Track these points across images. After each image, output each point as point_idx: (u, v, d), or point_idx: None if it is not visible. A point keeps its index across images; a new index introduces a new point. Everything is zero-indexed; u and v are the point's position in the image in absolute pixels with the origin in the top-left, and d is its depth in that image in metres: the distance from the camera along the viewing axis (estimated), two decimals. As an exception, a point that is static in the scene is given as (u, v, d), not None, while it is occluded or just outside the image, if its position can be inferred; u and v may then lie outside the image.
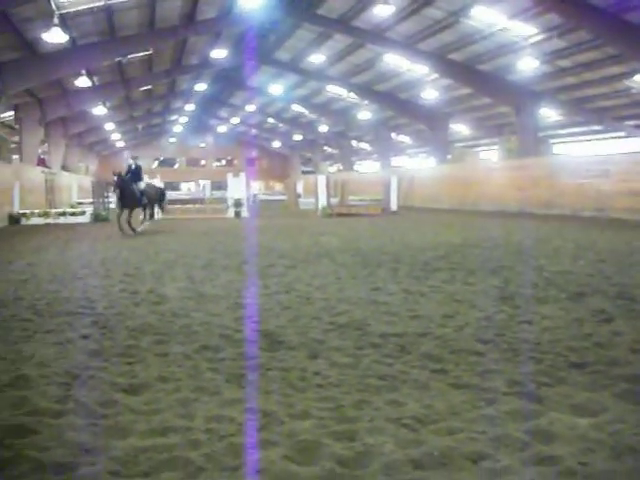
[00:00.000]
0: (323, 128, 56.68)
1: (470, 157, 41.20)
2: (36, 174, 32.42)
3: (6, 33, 22.93)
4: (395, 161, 56.92)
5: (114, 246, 15.55)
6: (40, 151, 38.52)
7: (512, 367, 4.91)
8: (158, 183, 29.34)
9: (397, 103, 41.94)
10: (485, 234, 17.62)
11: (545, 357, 5.15)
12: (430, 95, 36.78)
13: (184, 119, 64.49)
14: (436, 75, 34.72)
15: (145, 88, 42.87)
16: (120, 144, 65.98)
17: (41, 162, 39.09)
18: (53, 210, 28.13)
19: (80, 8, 22.88)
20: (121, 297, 8.23)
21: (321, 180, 31.95)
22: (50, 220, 26.05)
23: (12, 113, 33.80)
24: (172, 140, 75.11)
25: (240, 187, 30.39)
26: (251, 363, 5.09)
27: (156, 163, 78.44)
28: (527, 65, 27.58)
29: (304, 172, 72.57)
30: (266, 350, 5.49)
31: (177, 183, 73.53)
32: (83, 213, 27.35)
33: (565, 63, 29.18)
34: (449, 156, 41.01)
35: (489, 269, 10.39)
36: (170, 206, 32.46)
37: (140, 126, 61.86)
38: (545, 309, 7.09)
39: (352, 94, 43.55)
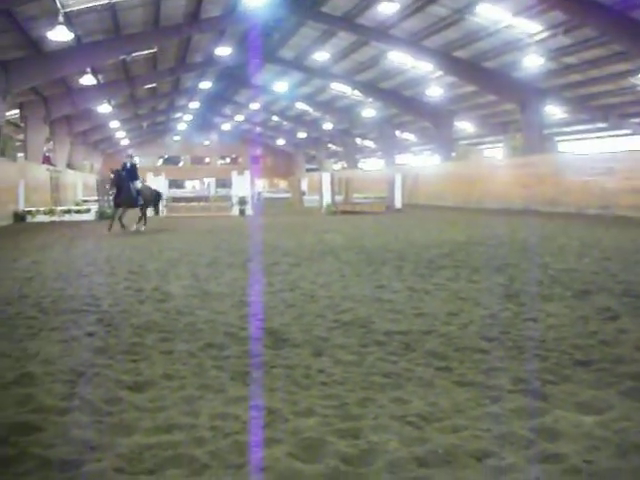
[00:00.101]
0: (327, 126, 56.66)
1: (474, 155, 41.16)
2: (41, 172, 32.49)
3: (11, 32, 22.96)
4: (399, 159, 56.85)
5: (119, 244, 15.57)
6: (45, 149, 38.58)
7: (517, 365, 4.90)
8: (154, 186, 29.29)
9: (401, 100, 41.90)
10: (490, 232, 17.60)
11: (550, 355, 5.14)
12: (435, 92, 36.71)
13: (188, 117, 64.52)
14: (441, 72, 34.65)
15: (150, 86, 42.92)
16: (125, 142, 66.06)
17: (46, 160, 39.16)
18: (58, 208, 28.17)
19: (85, 6, 22.90)
20: (126, 295, 8.24)
21: (325, 178, 31.96)
22: (55, 218, 26.12)
23: (17, 111, 33.87)
24: (176, 138, 75.12)
25: (244, 185, 30.42)
26: (256, 361, 5.09)
27: (161, 161, 78.50)
28: (532, 62, 27.51)
29: (308, 170, 72.58)
30: (270, 348, 5.49)
31: (181, 181, 73.53)
32: (88, 211, 27.41)
33: (570, 60, 29.10)
34: (453, 154, 40.95)
35: (494, 267, 10.38)
36: (174, 204, 32.55)
37: (145, 124, 61.92)
38: (550, 307, 7.08)
39: (356, 92, 43.51)
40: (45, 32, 22.12)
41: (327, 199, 30.62)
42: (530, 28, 26.38)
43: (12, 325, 6.46)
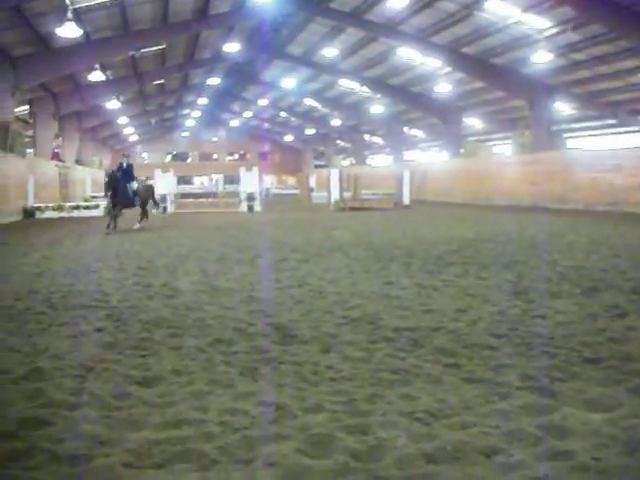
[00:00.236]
0: (336, 122, 56.58)
1: (483, 151, 41.04)
2: (50, 168, 32.61)
3: (20, 28, 23.03)
4: (408, 155, 56.73)
5: (127, 240, 15.62)
6: (54, 145, 38.70)
7: (525, 362, 4.90)
8: (156, 182, 29.35)
9: (410, 97, 41.79)
10: (498, 228, 17.55)
11: (559, 352, 5.13)
12: (443, 89, 36.57)
13: (197, 113, 64.54)
14: (449, 69, 34.52)
15: (158, 82, 42.94)
16: (133, 138, 66.20)
17: (55, 156, 39.28)
18: (67, 204, 28.27)
19: (93, 2, 22.93)
20: (135, 290, 8.27)
21: (334, 174, 31.95)
22: (64, 214, 26.22)
23: (26, 107, 33.99)
24: (185, 134, 75.19)
25: (253, 181, 30.43)
26: (264, 356, 5.11)
27: (169, 157, 78.60)
28: (541, 58, 27.33)
29: (317, 166, 72.49)
30: (279, 344, 5.51)
31: (189, 177, 73.61)
32: (97, 207, 27.50)
33: (579, 56, 28.94)
34: (462, 150, 40.84)
35: (502, 263, 10.36)
36: (182, 200, 32.61)
37: (153, 120, 61.95)
38: (559, 304, 7.06)
39: (365, 88, 43.42)
40: (54, 28, 22.14)
41: (335, 195, 30.61)
42: (539, 24, 26.24)
43: (22, 320, 6.50)
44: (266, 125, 71.78)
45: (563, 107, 37.35)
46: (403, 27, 30.35)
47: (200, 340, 5.64)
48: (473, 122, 46.01)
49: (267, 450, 3.35)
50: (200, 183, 75.17)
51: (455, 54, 31.60)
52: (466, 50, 31.27)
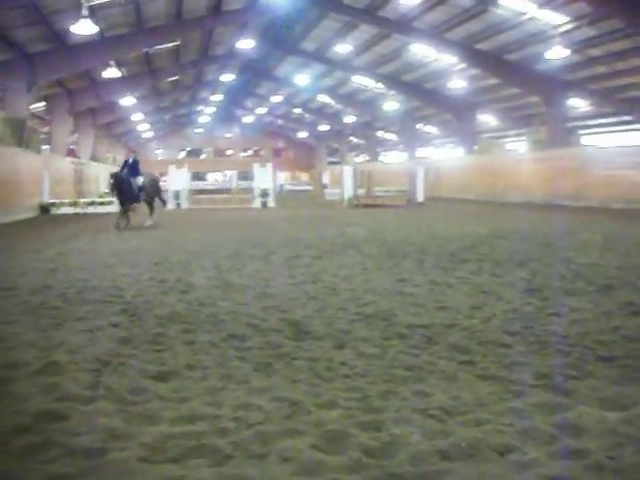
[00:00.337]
0: (349, 118, 56.50)
1: (497, 148, 40.84)
2: (65, 164, 32.80)
3: (36, 25, 23.18)
4: (421, 152, 56.57)
5: (141, 236, 15.70)
6: (69, 141, 38.92)
7: (540, 359, 4.88)
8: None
9: (424, 93, 41.68)
10: (512, 225, 17.48)
11: (573, 350, 5.10)
12: (457, 85, 36.41)
13: (211, 109, 64.68)
14: (463, 65, 34.39)
15: (172, 79, 43.10)
16: (147, 135, 66.46)
17: (70, 152, 39.50)
18: (82, 200, 28.42)
19: (108, 0, 23.05)
20: (149, 286, 8.31)
21: (347, 171, 31.95)
22: (79, 210, 26.36)
23: (42, 104, 34.20)
24: (199, 131, 75.37)
25: (267, 177, 30.47)
26: (278, 352, 5.12)
27: (184, 153, 78.79)
28: (556, 54, 27.14)
29: (330, 163, 72.44)
30: (293, 340, 5.52)
31: (203, 173, 73.73)
32: (111, 203, 27.59)
33: (595, 52, 28.72)
34: (476, 147, 40.68)
35: (516, 261, 10.32)
36: (196, 196, 32.71)
37: (167, 116, 62.20)
38: (573, 301, 7.02)
39: (379, 84, 43.32)
40: (69, 25, 22.26)
41: (349, 192, 30.60)
42: (554, 20, 26.07)
43: (37, 315, 6.54)
44: (280, 121, 71.84)
45: (578, 103, 37.09)
46: (417, 23, 30.28)
47: (214, 335, 5.66)
48: (487, 119, 45.80)
49: (281, 445, 3.36)
50: (214, 180, 75.25)
51: (469, 50, 31.47)
52: (480, 46, 31.13)
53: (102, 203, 27.78)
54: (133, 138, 65.08)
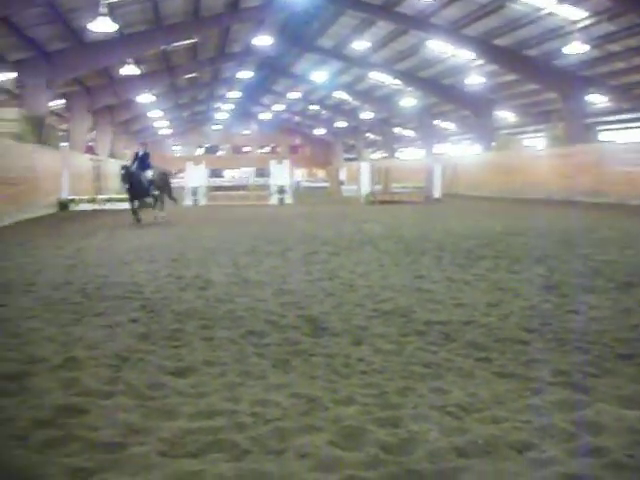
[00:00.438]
0: (366, 115, 56.37)
1: (515, 144, 40.59)
2: (84, 161, 33.04)
3: (54, 23, 23.36)
4: (438, 148, 56.31)
5: (159, 232, 15.79)
6: (88, 138, 39.19)
7: (558, 357, 4.85)
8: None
9: (441, 89, 41.50)
10: (530, 222, 17.39)
11: (592, 347, 5.07)
12: (475, 81, 36.15)
13: (228, 106, 64.79)
14: (481, 61, 34.19)
15: (190, 76, 43.24)
16: (165, 132, 66.75)
17: (89, 149, 39.77)
18: (100, 196, 28.62)
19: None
20: (167, 282, 8.36)
21: (364, 167, 31.90)
22: (97, 206, 26.54)
23: (61, 101, 34.46)
24: (216, 127, 75.54)
25: (283, 174, 30.51)
26: (296, 349, 5.13)
27: (201, 150, 79.00)
28: (575, 50, 26.90)
29: (347, 159, 72.34)
30: (310, 336, 5.53)
31: (220, 170, 73.87)
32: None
33: (614, 47, 28.42)
34: (493, 143, 40.45)
35: (534, 257, 10.26)
36: (214, 193, 32.82)
37: (185, 114, 62.42)
38: (592, 299, 6.97)
39: (396, 80, 43.18)
40: (87, 23, 22.41)
41: (366, 188, 30.55)
42: (573, 15, 25.83)
43: (57, 310, 6.61)
44: (297, 118, 71.83)
45: (597, 99, 36.75)
46: (434, 19, 30.15)
47: (232, 332, 5.68)
48: (505, 115, 45.51)
49: (299, 441, 3.38)
50: (231, 177, 75.41)
51: (487, 46, 31.27)
52: (498, 42, 30.92)
53: (120, 200, 27.91)
54: (151, 135, 65.38)
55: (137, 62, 32.22)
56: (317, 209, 25.03)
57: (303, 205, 27.84)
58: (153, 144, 67.24)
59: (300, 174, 66.91)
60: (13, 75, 27.03)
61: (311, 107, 63.63)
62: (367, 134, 67.65)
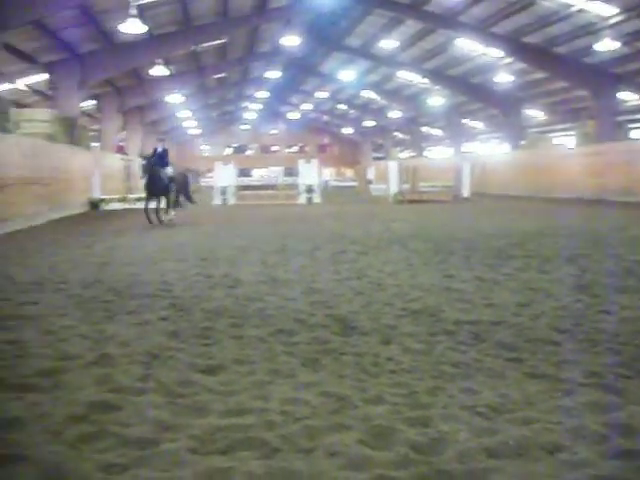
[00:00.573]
0: (394, 114, 56.17)
1: (544, 143, 40.16)
2: (115, 161, 33.41)
3: (86, 25, 23.66)
4: (466, 147, 55.94)
5: (188, 231, 15.91)
6: (118, 138, 39.63)
7: (590, 358, 4.80)
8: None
9: (469, 88, 41.20)
10: (560, 221, 17.21)
11: (624, 349, 5.01)
12: (503, 79, 35.84)
13: (256, 106, 65.06)
14: (510, 59, 33.87)
15: (219, 76, 43.50)
16: (194, 132, 67.22)
17: (119, 149, 40.22)
18: (130, 195, 28.92)
19: (156, -1, 23.44)
20: (197, 280, 8.43)
21: (392, 166, 31.81)
22: (127, 205, 26.81)
23: (92, 102, 34.88)
24: (245, 127, 75.88)
25: (312, 173, 30.55)
26: (325, 347, 5.15)
27: (230, 150, 79.41)
28: (605, 47, 26.52)
29: (375, 158, 72.19)
30: (339, 335, 5.53)
31: (248, 170, 74.23)
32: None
33: (646, 44, 28.00)
34: (523, 142, 40.06)
35: (565, 257, 10.16)
36: (242, 192, 32.99)
37: (214, 114, 62.81)
38: (624, 299, 6.88)
39: (424, 79, 42.97)
40: (118, 24, 22.67)
41: (394, 188, 30.47)
42: (604, 11, 25.46)
43: (89, 308, 6.70)
44: (325, 117, 71.86)
45: (628, 97, 36.22)
46: (463, 17, 29.91)
47: (261, 330, 5.71)
48: (534, 113, 45.05)
49: (328, 440, 3.38)
50: (260, 176, 75.68)
51: (516, 44, 30.94)
52: (527, 40, 30.57)
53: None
54: (180, 135, 65.90)
55: (167, 63, 32.54)
56: (345, 208, 25.02)
57: (331, 204, 27.85)
58: (184, 144, 68.01)
59: (328, 173, 66.85)
60: (46, 77, 27.46)
61: (339, 106, 63.62)
62: (395, 133, 67.44)
